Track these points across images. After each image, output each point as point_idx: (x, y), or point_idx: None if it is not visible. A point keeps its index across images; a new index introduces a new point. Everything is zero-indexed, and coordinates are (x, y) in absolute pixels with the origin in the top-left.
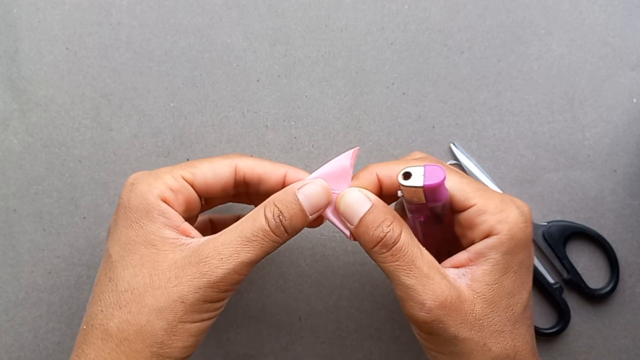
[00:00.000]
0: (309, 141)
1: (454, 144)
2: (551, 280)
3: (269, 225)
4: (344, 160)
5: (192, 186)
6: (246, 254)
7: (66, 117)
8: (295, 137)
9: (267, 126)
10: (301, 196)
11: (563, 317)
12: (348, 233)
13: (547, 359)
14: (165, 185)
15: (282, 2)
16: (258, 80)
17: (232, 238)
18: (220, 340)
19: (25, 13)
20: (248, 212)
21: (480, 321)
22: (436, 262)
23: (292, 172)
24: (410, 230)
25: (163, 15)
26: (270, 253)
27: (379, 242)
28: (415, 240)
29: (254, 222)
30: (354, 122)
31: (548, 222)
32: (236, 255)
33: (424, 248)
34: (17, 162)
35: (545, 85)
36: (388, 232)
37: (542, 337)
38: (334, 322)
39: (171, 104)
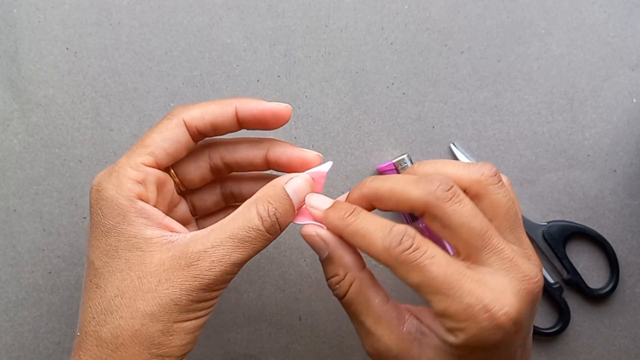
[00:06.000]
0: (309, 141)
1: (454, 144)
2: (551, 280)
3: (263, 225)
4: (325, 168)
5: (157, 168)
6: (238, 255)
7: (66, 117)
8: (295, 137)
9: None
10: (290, 190)
11: (563, 317)
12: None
13: (547, 359)
14: (131, 182)
15: (282, 2)
16: (258, 80)
17: (223, 239)
18: (220, 340)
19: (25, 13)
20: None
21: None
22: (390, 311)
23: (241, 105)
24: (370, 276)
25: (163, 15)
26: (260, 251)
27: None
28: (371, 289)
29: (247, 221)
30: (354, 122)
31: (548, 222)
32: (228, 257)
33: (379, 296)
34: (17, 162)
35: (545, 85)
36: (335, 289)
37: (542, 337)
38: (334, 322)
39: (171, 104)
